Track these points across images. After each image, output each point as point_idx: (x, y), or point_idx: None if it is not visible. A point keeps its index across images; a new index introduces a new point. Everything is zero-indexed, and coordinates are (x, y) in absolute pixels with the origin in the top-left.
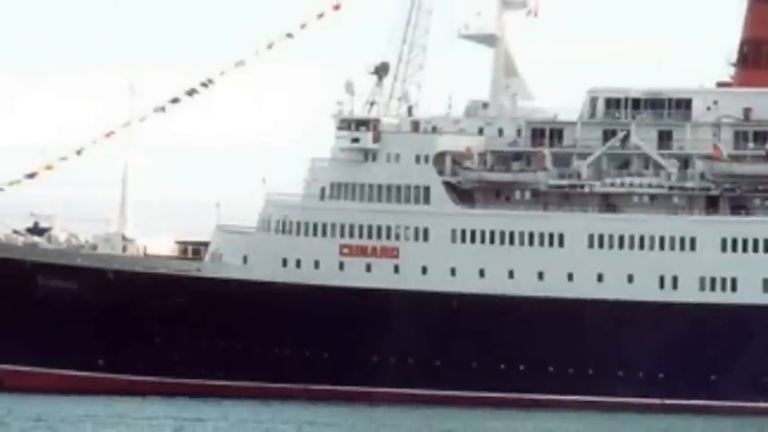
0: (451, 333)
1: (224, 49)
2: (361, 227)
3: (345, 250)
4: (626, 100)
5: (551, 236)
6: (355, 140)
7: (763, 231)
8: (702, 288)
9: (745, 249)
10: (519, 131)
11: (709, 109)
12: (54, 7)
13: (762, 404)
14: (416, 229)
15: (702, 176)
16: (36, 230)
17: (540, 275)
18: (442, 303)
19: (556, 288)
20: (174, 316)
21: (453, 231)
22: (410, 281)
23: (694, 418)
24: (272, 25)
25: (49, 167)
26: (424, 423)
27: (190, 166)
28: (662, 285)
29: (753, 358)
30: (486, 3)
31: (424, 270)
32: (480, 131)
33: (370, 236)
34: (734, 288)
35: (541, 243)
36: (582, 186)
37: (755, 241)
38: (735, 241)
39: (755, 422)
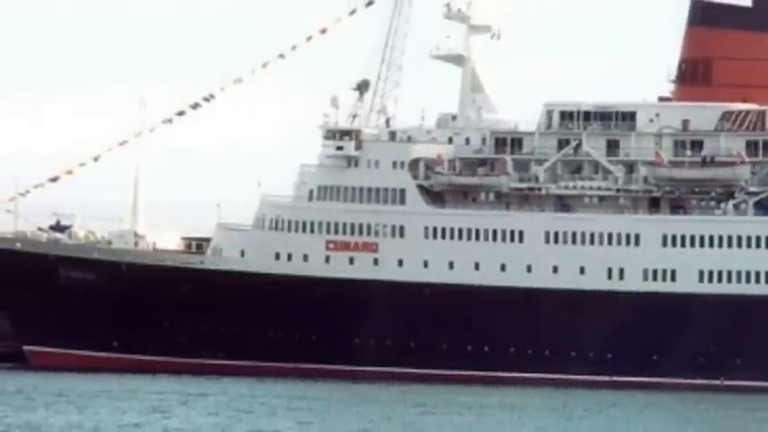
0: (424, 318)
1: (224, 68)
2: (344, 224)
3: (331, 245)
4: (578, 113)
5: (512, 232)
6: (339, 148)
7: (698, 228)
8: (645, 278)
9: (683, 244)
10: (484, 140)
11: (651, 121)
12: (74, 31)
13: (698, 381)
14: (393, 227)
15: (645, 180)
16: (58, 228)
17: (503, 267)
18: (416, 292)
19: (516, 278)
20: (179, 303)
21: (426, 228)
22: (388, 272)
23: (638, 394)
24: (267, 47)
25: (69, 172)
26: (400, 398)
27: (193, 170)
28: (610, 276)
29: (690, 340)
30: (455, 27)
31: (400, 263)
32: (450, 140)
33: (352, 232)
34: (673, 278)
35: (504, 239)
36: (539, 189)
37: (692, 237)
38: (674, 237)
39: (693, 397)
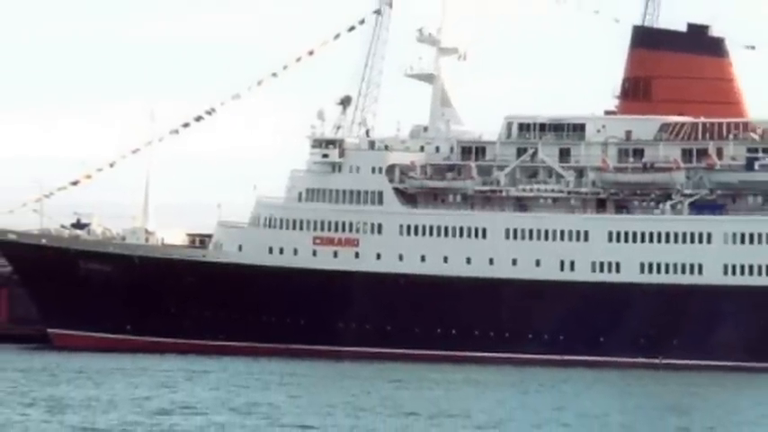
0: (399, 305)
1: (224, 85)
2: (329, 222)
3: (317, 241)
4: (534, 124)
5: (476, 229)
6: (325, 156)
7: (640, 226)
8: (593, 270)
9: (626, 240)
10: (452, 149)
11: (599, 131)
12: (92, 52)
13: (639, 360)
14: (372, 225)
15: (593, 184)
16: (78, 225)
17: (468, 260)
18: (392, 282)
19: (480, 270)
20: (185, 292)
21: (401, 226)
22: (367, 264)
23: (587, 371)
24: (261, 67)
25: (88, 176)
26: (378, 374)
27: (197, 175)
28: (562, 268)
29: (632, 324)
30: (426, 50)
31: (379, 256)
32: (422, 149)
33: (336, 230)
34: (618, 270)
35: (469, 235)
36: (500, 191)
37: (634, 234)
38: (618, 234)
39: (634, 374)
